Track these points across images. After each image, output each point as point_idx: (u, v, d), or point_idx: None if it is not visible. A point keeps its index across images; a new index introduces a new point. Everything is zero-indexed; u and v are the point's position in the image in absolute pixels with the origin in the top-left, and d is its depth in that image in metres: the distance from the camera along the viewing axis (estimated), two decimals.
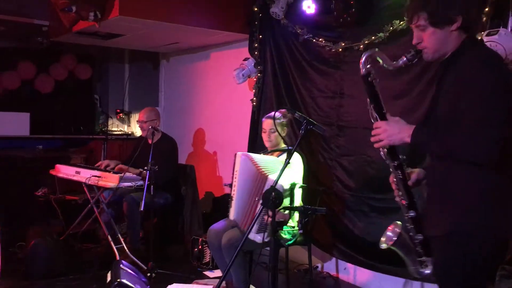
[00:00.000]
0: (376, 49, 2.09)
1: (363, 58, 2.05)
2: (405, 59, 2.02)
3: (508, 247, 1.94)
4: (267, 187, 3.16)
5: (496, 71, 1.82)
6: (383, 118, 2.04)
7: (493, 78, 1.79)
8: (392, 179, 2.13)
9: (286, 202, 3.32)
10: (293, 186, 3.38)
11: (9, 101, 5.94)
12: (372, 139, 2.05)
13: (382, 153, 2.10)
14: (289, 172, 3.37)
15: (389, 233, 2.15)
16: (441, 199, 1.98)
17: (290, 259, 3.84)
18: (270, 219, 3.12)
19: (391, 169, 2.11)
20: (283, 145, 3.68)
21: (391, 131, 1.97)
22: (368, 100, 2.08)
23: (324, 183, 4.13)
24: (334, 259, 4.31)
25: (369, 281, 4.02)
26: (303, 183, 3.58)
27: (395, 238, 2.10)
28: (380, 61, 2.05)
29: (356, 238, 3.92)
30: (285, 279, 3.67)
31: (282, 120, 3.67)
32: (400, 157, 2.09)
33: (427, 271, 2.10)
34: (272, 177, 3.23)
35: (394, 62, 2.04)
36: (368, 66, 2.05)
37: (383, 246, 2.14)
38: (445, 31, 1.93)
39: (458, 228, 1.90)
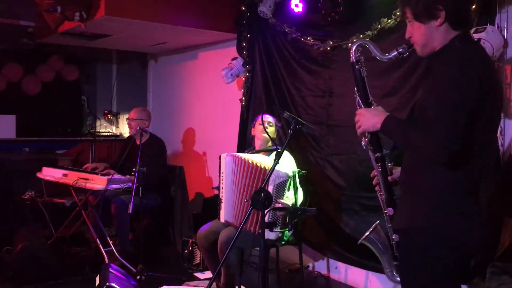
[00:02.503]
0: (367, 39, 2.11)
1: (354, 47, 2.10)
2: (396, 52, 2.03)
3: (471, 248, 1.89)
4: (273, 177, 3.18)
5: (468, 72, 1.75)
6: (368, 106, 2.08)
7: (461, 79, 1.74)
8: (374, 173, 2.13)
9: (291, 189, 3.41)
10: (294, 173, 3.43)
11: None
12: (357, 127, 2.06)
13: (363, 142, 2.10)
14: (287, 163, 3.43)
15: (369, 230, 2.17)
16: (405, 193, 1.99)
17: (281, 259, 3.82)
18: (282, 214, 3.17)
19: (372, 162, 2.10)
20: (270, 145, 3.69)
21: (367, 117, 2.00)
22: (356, 88, 2.11)
23: (315, 182, 4.11)
24: (325, 259, 4.30)
25: (360, 280, 4.01)
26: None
27: (367, 234, 2.10)
28: (372, 50, 2.05)
29: (347, 237, 3.91)
30: (276, 279, 3.65)
31: (276, 122, 3.80)
32: (384, 150, 2.08)
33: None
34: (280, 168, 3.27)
35: (386, 55, 2.05)
36: (358, 54, 2.10)
37: (359, 241, 2.15)
38: (429, 26, 1.90)
39: (412, 225, 1.90)
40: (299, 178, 3.57)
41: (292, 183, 3.43)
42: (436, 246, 1.83)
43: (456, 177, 1.81)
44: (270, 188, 3.24)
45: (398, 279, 2.08)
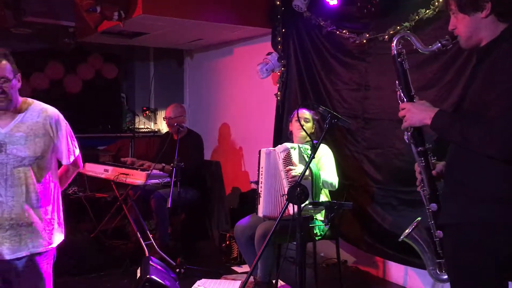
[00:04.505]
0: (409, 31, 2.06)
1: (395, 39, 2.07)
2: (439, 44, 1.98)
3: None
4: (278, 153, 3.31)
5: None
6: (410, 100, 2.04)
7: None
8: (417, 167, 2.09)
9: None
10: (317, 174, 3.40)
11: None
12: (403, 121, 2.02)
13: (406, 137, 2.06)
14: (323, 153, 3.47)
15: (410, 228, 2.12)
16: (453, 187, 1.92)
17: (318, 254, 3.82)
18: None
19: (415, 156, 2.06)
20: (308, 139, 3.68)
21: (414, 112, 1.96)
22: (397, 81, 2.07)
23: (351, 176, 4.08)
24: (363, 253, 4.26)
25: (399, 275, 3.96)
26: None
27: (409, 231, 2.06)
28: (414, 42, 2.02)
29: (385, 232, 3.86)
30: (313, 273, 3.65)
31: (313, 116, 3.76)
32: (426, 144, 2.04)
33: (445, 276, 2.03)
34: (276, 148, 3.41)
35: (429, 47, 2.01)
36: (399, 47, 2.06)
37: (400, 238, 2.11)
38: (474, 18, 1.86)
39: (463, 220, 1.84)
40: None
41: (300, 157, 3.46)
42: (491, 240, 1.79)
43: (507, 168, 1.76)
44: (280, 165, 3.34)
45: (443, 277, 2.01)
